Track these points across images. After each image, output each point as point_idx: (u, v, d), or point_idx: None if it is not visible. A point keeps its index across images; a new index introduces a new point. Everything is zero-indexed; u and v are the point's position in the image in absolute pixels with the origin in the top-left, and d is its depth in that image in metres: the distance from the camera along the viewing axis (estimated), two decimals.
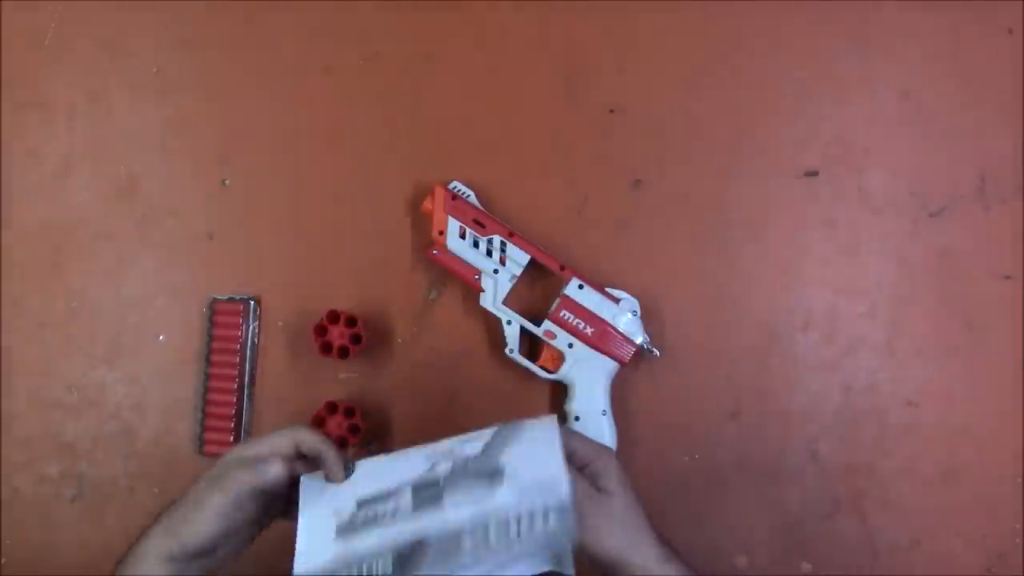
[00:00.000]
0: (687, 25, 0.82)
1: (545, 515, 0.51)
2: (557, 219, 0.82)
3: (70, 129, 0.91)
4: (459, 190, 0.80)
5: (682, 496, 0.79)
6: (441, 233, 0.78)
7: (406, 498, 0.55)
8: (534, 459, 0.54)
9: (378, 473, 0.58)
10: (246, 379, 0.85)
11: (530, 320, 0.78)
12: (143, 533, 0.57)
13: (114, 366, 0.88)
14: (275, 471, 0.56)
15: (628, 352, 0.76)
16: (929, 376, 0.77)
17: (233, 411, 0.84)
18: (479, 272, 0.78)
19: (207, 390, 0.85)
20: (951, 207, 0.78)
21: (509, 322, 0.78)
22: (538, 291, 0.81)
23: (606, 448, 0.61)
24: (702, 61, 0.82)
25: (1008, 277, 0.76)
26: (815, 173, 0.80)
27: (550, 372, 0.78)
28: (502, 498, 0.53)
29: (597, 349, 0.76)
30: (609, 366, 0.76)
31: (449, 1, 0.86)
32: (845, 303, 0.79)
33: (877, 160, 0.79)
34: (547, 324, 0.77)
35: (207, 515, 0.55)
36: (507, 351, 0.77)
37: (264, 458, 0.56)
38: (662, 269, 0.81)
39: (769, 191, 0.80)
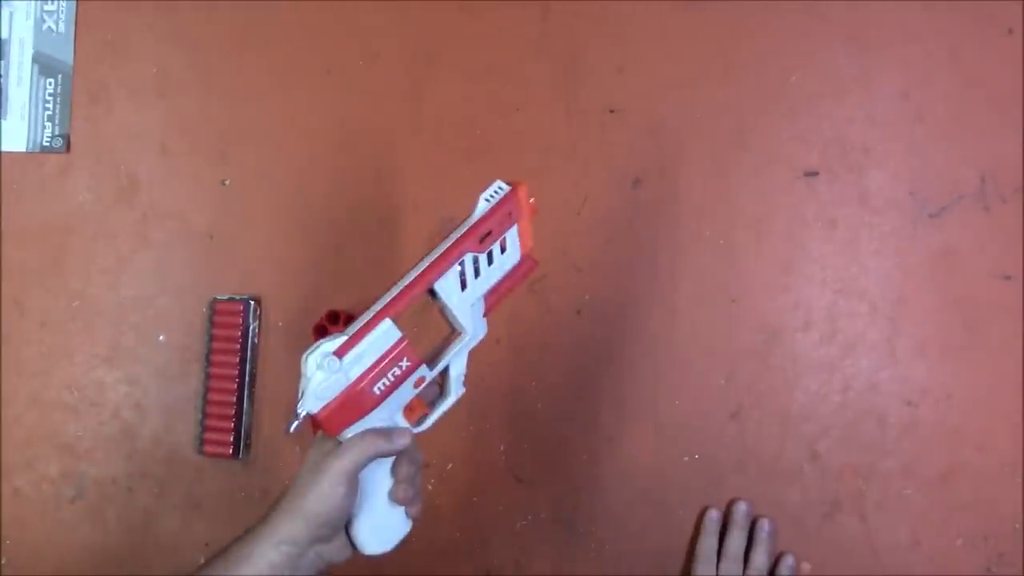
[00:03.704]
0: (687, 25, 0.82)
1: None
2: (557, 219, 0.82)
3: (71, 129, 0.91)
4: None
5: (682, 496, 0.79)
6: None
7: None
8: None
9: None
10: (246, 379, 0.85)
11: None
12: (260, 518, 0.57)
13: (114, 366, 0.88)
14: (404, 442, 0.57)
15: None
16: (929, 376, 0.77)
17: (233, 411, 0.84)
18: None
19: (207, 390, 0.85)
20: (951, 207, 0.78)
21: None
22: None
23: None
24: (702, 61, 0.82)
25: (1008, 277, 0.76)
26: (815, 173, 0.80)
27: None
28: None
29: None
30: None
31: (449, 1, 0.86)
32: (845, 303, 0.79)
33: (877, 160, 0.79)
34: None
35: (330, 479, 0.55)
36: None
37: (392, 432, 0.58)
38: (662, 269, 0.81)
39: (769, 191, 0.80)
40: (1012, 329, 0.76)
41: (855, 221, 0.79)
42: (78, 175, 0.91)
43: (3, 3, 0.93)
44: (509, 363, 0.81)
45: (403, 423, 0.59)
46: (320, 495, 0.55)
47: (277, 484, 0.84)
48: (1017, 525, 0.74)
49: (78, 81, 0.91)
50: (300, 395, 0.56)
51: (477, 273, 0.59)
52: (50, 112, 0.92)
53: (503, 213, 0.59)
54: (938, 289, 0.77)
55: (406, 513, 0.60)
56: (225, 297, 0.86)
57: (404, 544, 0.60)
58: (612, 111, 0.83)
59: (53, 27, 0.92)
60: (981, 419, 0.76)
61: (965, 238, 0.77)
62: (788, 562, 0.76)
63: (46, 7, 0.93)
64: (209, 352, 0.86)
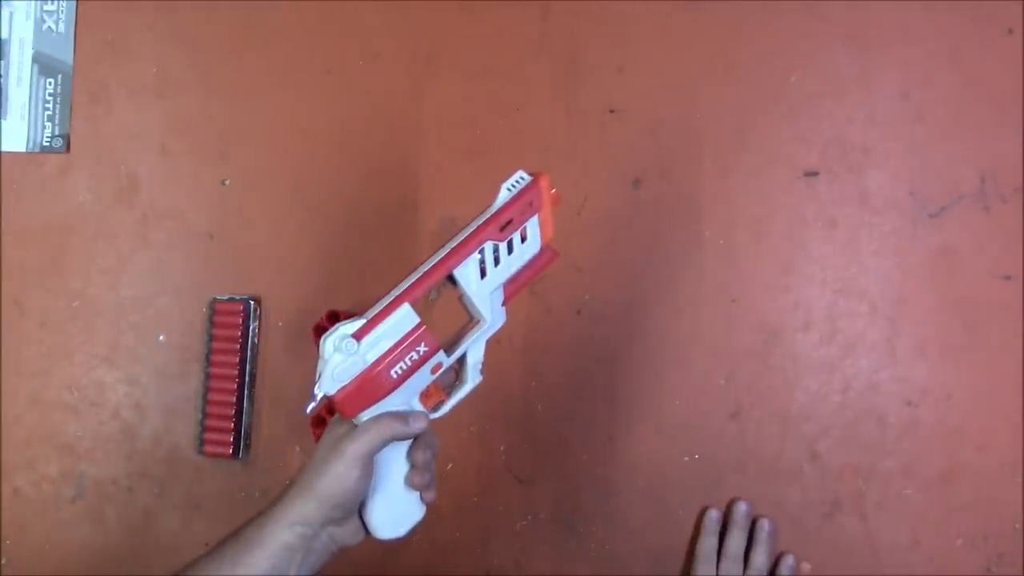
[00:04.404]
0: (687, 25, 0.82)
1: None
2: (557, 219, 0.82)
3: (71, 129, 0.91)
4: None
5: (682, 496, 0.79)
6: None
7: None
8: None
9: None
10: (246, 379, 0.85)
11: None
12: (272, 502, 0.57)
13: (114, 366, 0.88)
14: (421, 426, 0.58)
15: None
16: (929, 376, 0.77)
17: (233, 411, 0.84)
18: None
19: (207, 390, 0.85)
20: (951, 207, 0.78)
21: None
22: None
23: None
24: (702, 61, 0.82)
25: (1008, 277, 0.76)
26: (815, 173, 0.80)
27: None
28: None
29: None
30: None
31: (449, 1, 0.86)
32: (845, 303, 0.79)
33: (877, 160, 0.79)
34: None
35: (345, 461, 0.55)
36: None
37: (408, 415, 0.58)
38: (662, 269, 0.81)
39: (769, 191, 0.80)
40: (1012, 329, 0.76)
41: (855, 221, 0.79)
42: (78, 175, 0.91)
43: (3, 3, 0.93)
44: (509, 363, 0.81)
45: (420, 408, 0.59)
46: (334, 476, 0.55)
47: (277, 484, 0.84)
48: (1017, 525, 0.74)
49: (78, 81, 0.91)
50: (317, 377, 0.56)
51: (497, 261, 0.59)
52: (50, 112, 0.92)
53: (524, 202, 0.59)
54: (938, 289, 0.77)
55: (421, 498, 0.60)
56: (225, 297, 0.86)
57: (411, 536, 0.60)
58: (612, 111, 0.83)
59: (53, 27, 0.92)
60: (981, 419, 0.76)
61: (965, 238, 0.77)
62: (788, 562, 0.76)
63: (46, 7, 0.93)
64: (209, 352, 0.86)
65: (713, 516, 0.78)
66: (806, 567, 0.77)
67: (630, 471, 0.80)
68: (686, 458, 0.80)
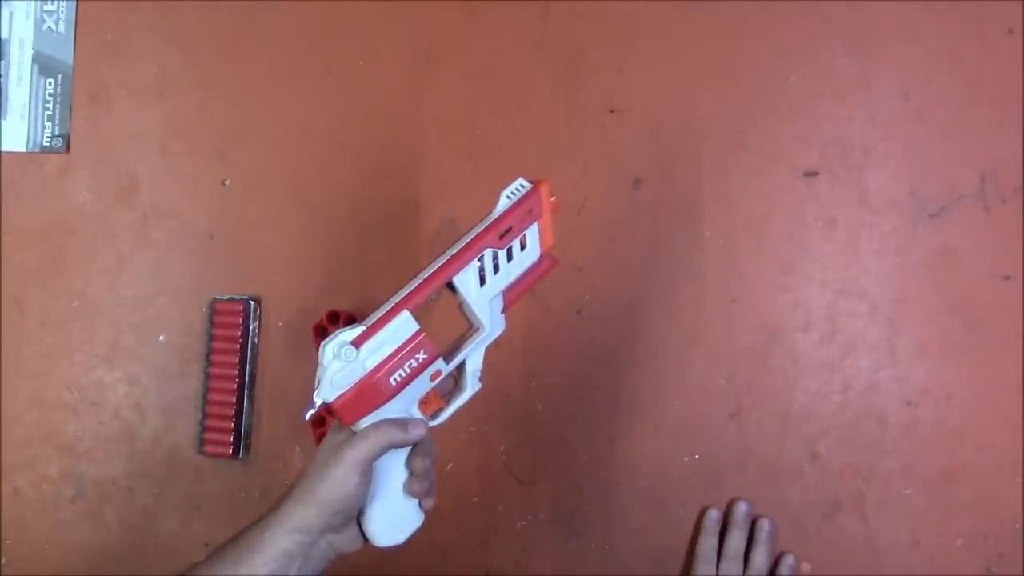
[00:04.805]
0: (687, 25, 0.82)
1: None
2: (557, 219, 0.82)
3: (71, 129, 0.91)
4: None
5: (682, 496, 0.79)
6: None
7: None
8: None
9: None
10: (246, 379, 0.85)
11: None
12: (271, 508, 0.57)
13: (114, 366, 0.88)
14: (419, 433, 0.58)
15: None
16: (929, 376, 0.77)
17: (233, 411, 0.84)
18: None
19: (207, 390, 0.85)
20: (951, 207, 0.78)
21: None
22: None
23: None
24: (702, 61, 0.82)
25: (1008, 277, 0.76)
26: (815, 173, 0.80)
27: None
28: None
29: None
30: None
31: (449, 1, 0.86)
32: (845, 303, 0.79)
33: (877, 160, 0.79)
34: None
35: (344, 468, 0.55)
36: None
37: (407, 422, 0.58)
38: (662, 269, 0.81)
39: (769, 191, 0.80)
40: (1012, 329, 0.76)
41: (855, 221, 0.79)
42: (78, 175, 0.91)
43: (3, 3, 0.93)
44: (509, 363, 0.81)
45: (418, 416, 0.59)
46: (334, 483, 0.55)
47: (277, 484, 0.84)
48: (1017, 525, 0.74)
49: (78, 81, 0.91)
50: (316, 384, 0.56)
51: (496, 269, 0.59)
52: (50, 112, 0.92)
53: (524, 210, 0.59)
54: (938, 289, 0.77)
55: (419, 506, 0.60)
56: (225, 297, 0.86)
57: (411, 540, 0.60)
58: (612, 111, 0.83)
59: (53, 27, 0.92)
60: (981, 419, 0.76)
61: (965, 238, 0.77)
62: (788, 562, 0.76)
63: (46, 7, 0.93)
64: (209, 352, 0.86)
65: (713, 516, 0.78)
66: (806, 567, 0.77)
67: (630, 471, 0.80)
68: (686, 458, 0.80)
